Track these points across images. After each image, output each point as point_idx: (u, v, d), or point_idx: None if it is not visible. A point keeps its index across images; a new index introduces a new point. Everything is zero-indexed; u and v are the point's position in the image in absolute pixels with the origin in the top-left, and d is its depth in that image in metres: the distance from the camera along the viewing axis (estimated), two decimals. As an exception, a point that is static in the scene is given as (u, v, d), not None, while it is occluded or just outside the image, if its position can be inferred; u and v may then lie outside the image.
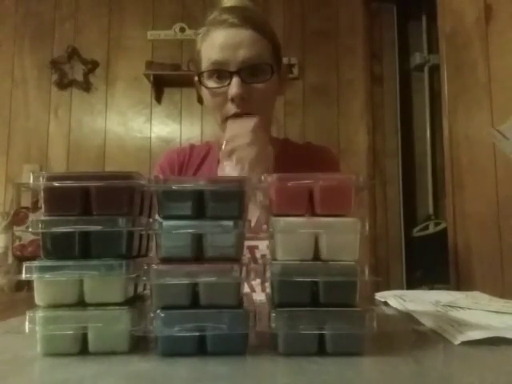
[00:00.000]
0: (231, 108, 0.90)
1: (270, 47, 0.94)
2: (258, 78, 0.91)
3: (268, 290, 0.50)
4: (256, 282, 0.90)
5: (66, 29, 2.83)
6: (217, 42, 0.91)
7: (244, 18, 0.91)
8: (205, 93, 0.96)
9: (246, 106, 0.90)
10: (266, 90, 0.92)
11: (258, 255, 0.92)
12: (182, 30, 2.77)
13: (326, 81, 2.77)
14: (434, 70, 2.69)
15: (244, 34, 0.90)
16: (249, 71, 0.90)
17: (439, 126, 2.32)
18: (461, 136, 1.77)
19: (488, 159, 1.54)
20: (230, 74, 0.89)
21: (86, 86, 2.80)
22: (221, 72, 0.91)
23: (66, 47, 2.79)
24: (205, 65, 0.94)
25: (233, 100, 0.89)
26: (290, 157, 1.03)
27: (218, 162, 1.05)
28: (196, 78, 1.00)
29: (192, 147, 1.10)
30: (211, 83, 0.93)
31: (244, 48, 0.89)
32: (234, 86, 0.88)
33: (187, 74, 2.44)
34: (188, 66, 2.65)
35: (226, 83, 0.90)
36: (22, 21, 2.84)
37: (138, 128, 2.80)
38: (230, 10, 0.93)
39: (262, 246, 0.91)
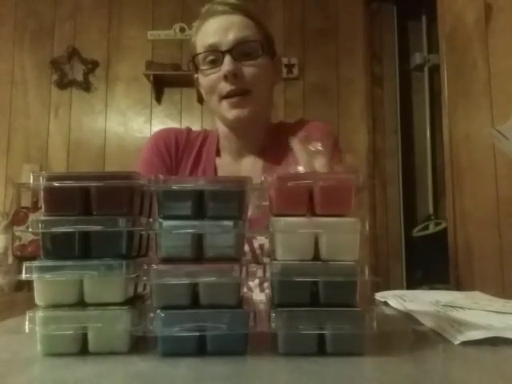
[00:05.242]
0: (225, 86, 0.93)
1: (260, 33, 0.97)
2: (250, 57, 0.94)
3: (268, 289, 0.50)
4: (254, 283, 0.90)
5: (66, 29, 2.83)
6: (209, 29, 0.95)
7: (234, 6, 0.96)
8: (201, 79, 0.98)
9: (239, 83, 0.92)
10: (258, 67, 0.95)
11: (255, 245, 0.93)
12: (182, 29, 2.77)
13: (326, 81, 2.77)
14: (434, 70, 2.68)
15: (234, 19, 0.94)
16: (240, 50, 0.93)
17: (439, 126, 2.33)
18: (461, 136, 1.77)
19: (488, 159, 1.54)
20: (222, 54, 0.92)
21: (86, 86, 2.80)
22: (214, 54, 0.93)
23: (66, 47, 2.79)
24: (199, 52, 0.96)
25: (226, 78, 0.92)
26: (284, 138, 1.02)
27: (217, 151, 1.04)
28: (196, 76, 1.01)
29: (189, 131, 1.10)
30: (205, 67, 0.96)
31: (234, 30, 0.93)
32: (225, 64, 0.91)
33: (187, 74, 2.43)
34: (188, 66, 2.65)
35: (219, 64, 0.93)
36: (22, 21, 2.84)
37: (138, 128, 2.80)
38: (223, 1, 0.97)
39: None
